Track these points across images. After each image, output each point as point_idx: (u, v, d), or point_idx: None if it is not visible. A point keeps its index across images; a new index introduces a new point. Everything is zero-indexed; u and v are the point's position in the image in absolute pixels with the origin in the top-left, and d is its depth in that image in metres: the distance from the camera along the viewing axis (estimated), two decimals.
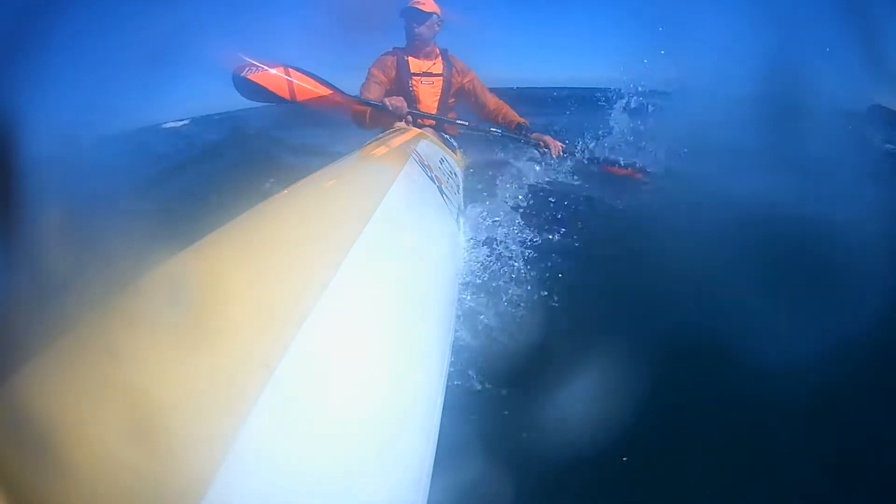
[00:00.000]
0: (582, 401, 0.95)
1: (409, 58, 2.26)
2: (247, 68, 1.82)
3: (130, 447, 0.33)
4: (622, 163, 2.44)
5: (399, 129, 1.91)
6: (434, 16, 2.21)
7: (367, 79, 2.25)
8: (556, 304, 1.29)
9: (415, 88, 2.25)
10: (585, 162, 2.39)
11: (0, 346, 0.42)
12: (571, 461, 0.86)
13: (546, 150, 2.29)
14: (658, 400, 1.00)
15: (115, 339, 0.41)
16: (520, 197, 1.98)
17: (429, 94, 2.27)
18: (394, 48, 2.28)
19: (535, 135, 2.31)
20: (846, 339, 1.10)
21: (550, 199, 2.02)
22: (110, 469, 0.33)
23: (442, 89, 2.27)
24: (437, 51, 2.30)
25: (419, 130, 1.95)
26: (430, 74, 2.26)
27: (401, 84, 2.25)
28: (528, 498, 0.80)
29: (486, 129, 2.29)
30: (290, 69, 1.88)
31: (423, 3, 2.19)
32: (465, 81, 2.37)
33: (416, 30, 2.20)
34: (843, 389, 1.04)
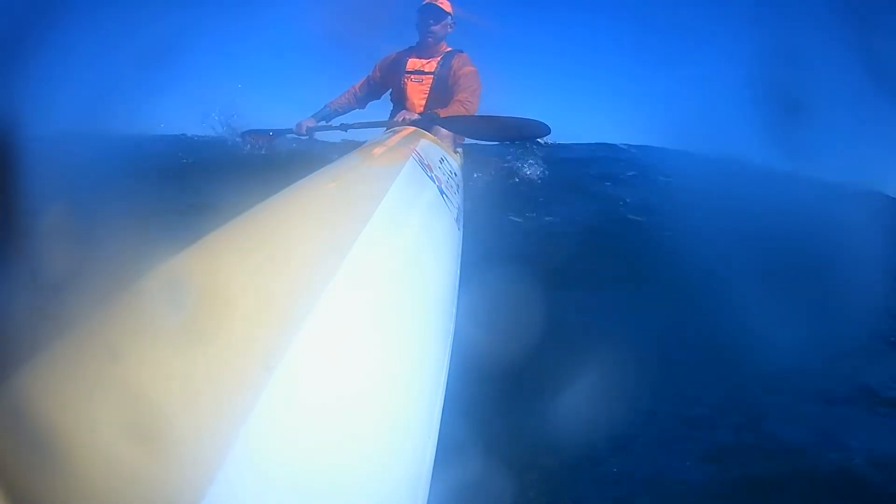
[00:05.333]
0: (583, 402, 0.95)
1: (411, 56, 2.32)
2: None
3: (130, 447, 0.33)
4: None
5: (399, 129, 1.91)
6: (449, 17, 2.24)
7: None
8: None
9: (405, 85, 2.29)
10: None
11: (0, 346, 0.42)
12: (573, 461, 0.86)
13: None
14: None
15: (115, 339, 0.41)
16: None
17: (417, 92, 2.29)
18: (408, 48, 2.36)
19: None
20: None
21: None
22: (109, 469, 0.33)
23: (431, 87, 2.27)
24: (443, 50, 2.30)
25: (420, 130, 1.94)
26: (422, 72, 2.28)
27: (394, 80, 2.35)
28: (526, 497, 0.80)
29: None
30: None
31: (442, 3, 2.22)
32: (458, 74, 2.27)
33: (431, 28, 2.23)
34: None
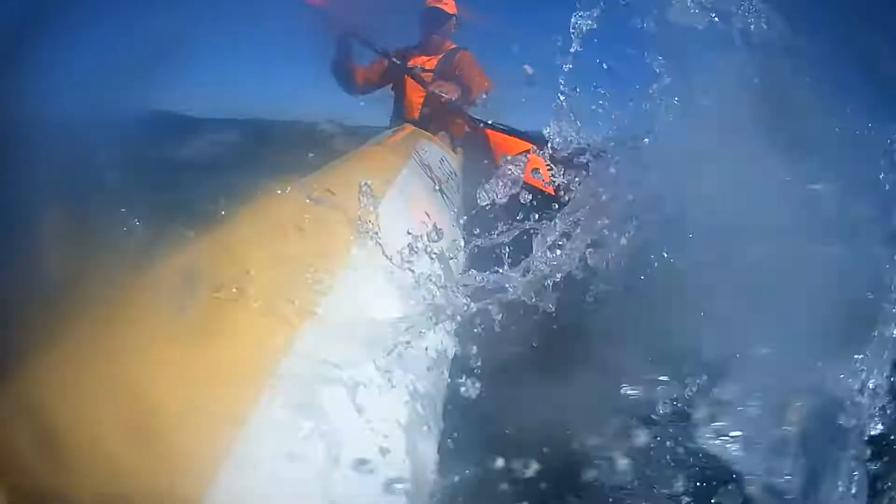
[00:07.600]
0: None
1: (413, 55, 2.30)
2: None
3: (131, 448, 0.33)
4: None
5: (400, 129, 1.91)
6: (453, 17, 2.24)
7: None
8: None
9: (405, 81, 2.29)
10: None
11: (0, 346, 0.42)
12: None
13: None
14: None
15: (115, 339, 0.41)
16: None
17: (414, 88, 2.29)
18: (412, 46, 2.35)
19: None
20: None
21: None
22: (111, 469, 0.33)
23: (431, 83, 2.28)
24: (447, 48, 2.31)
25: (420, 130, 1.95)
26: (423, 70, 2.28)
27: (393, 76, 2.36)
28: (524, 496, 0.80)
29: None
30: None
31: (446, 4, 2.20)
32: (460, 65, 2.26)
33: (433, 32, 2.23)
34: None
